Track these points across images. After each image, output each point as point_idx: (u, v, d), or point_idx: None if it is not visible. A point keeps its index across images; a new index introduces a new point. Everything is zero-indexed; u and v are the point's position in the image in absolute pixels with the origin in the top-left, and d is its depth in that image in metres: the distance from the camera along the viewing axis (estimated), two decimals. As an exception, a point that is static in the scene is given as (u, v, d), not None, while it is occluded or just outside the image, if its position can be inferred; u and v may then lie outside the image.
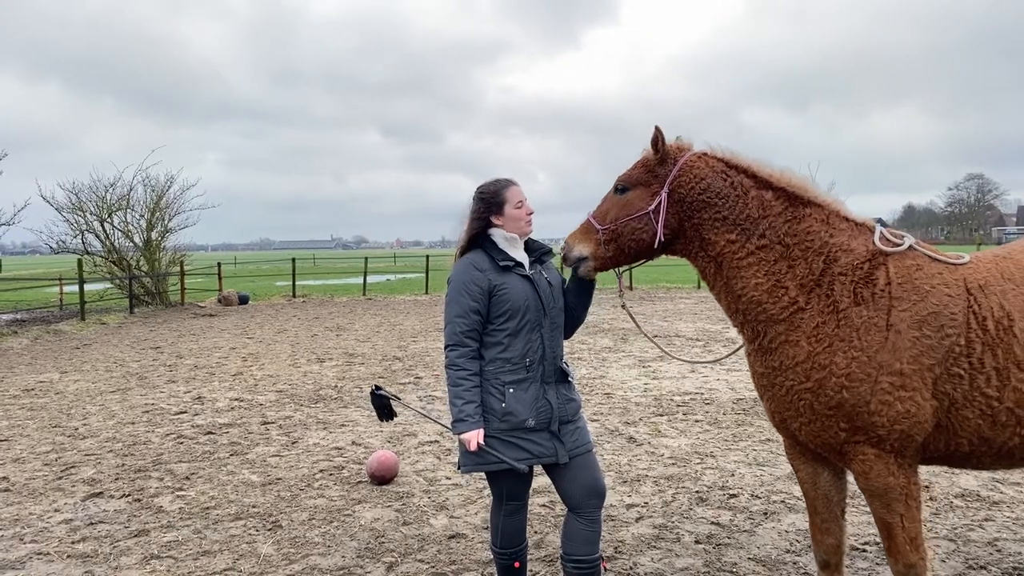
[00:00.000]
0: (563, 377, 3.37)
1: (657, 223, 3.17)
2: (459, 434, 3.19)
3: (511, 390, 3.22)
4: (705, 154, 3.24)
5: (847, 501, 3.33)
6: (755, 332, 3.09)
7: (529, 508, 4.95)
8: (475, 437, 3.16)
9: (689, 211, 3.17)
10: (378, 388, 3.60)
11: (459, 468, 3.38)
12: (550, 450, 3.25)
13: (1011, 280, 2.92)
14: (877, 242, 3.03)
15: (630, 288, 25.27)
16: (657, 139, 3.20)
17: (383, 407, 3.57)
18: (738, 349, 3.69)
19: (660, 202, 3.16)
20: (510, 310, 3.23)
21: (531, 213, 3.36)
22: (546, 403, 3.25)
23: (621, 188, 3.28)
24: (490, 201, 3.32)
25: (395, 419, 3.69)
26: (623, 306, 3.62)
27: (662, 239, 3.18)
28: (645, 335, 3.88)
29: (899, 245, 3.02)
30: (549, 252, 3.47)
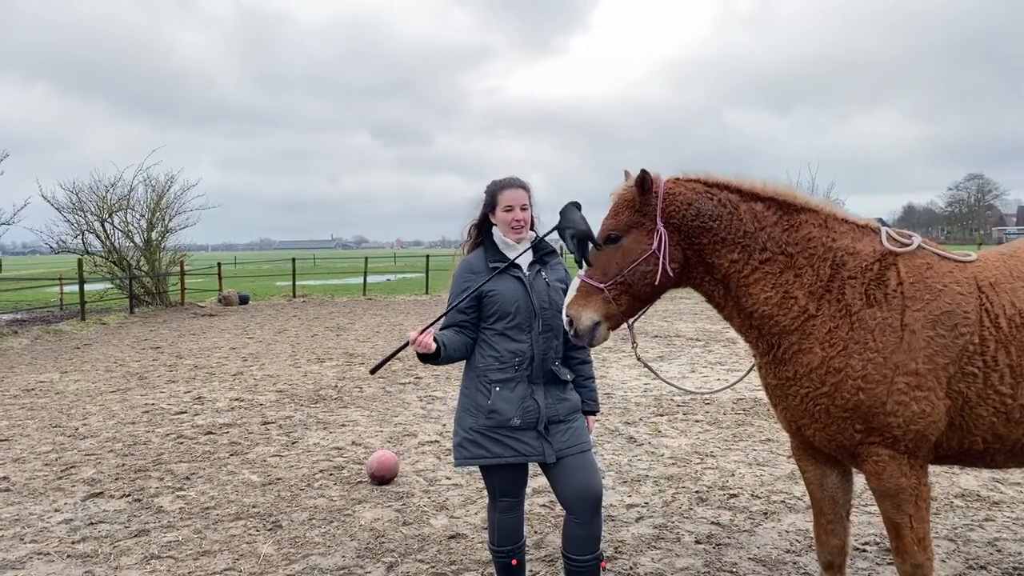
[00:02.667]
0: (556, 378, 3.35)
1: (665, 260, 3.04)
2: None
3: (497, 388, 3.25)
4: (678, 179, 3.14)
5: (851, 502, 3.34)
6: (769, 345, 3.05)
7: (529, 508, 4.96)
8: (424, 335, 3.07)
9: (688, 239, 3.05)
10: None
11: (454, 464, 3.44)
12: (537, 449, 3.26)
13: (1020, 278, 2.94)
14: (885, 242, 3.01)
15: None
16: (645, 179, 3.06)
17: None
18: (748, 372, 3.63)
19: (662, 238, 3.03)
20: (499, 311, 3.28)
21: (519, 221, 3.30)
22: (534, 403, 3.26)
23: (613, 238, 3.09)
24: (488, 199, 3.39)
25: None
26: (638, 358, 3.46)
27: (671, 274, 3.04)
28: (665, 382, 3.85)
29: (908, 245, 3.02)
30: (552, 253, 3.47)
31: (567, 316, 3.07)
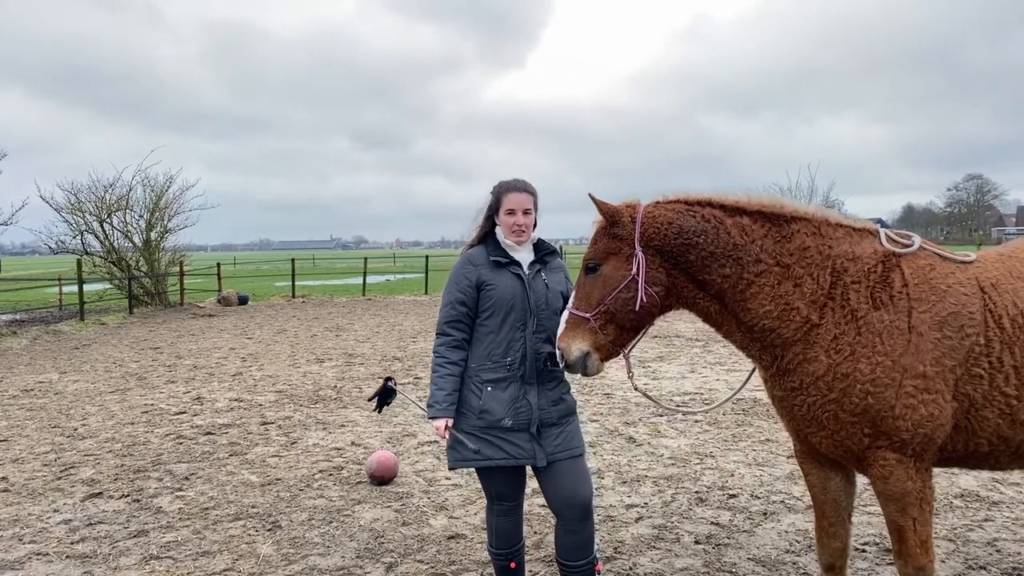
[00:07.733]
0: (550, 379, 3.31)
1: (642, 285, 2.99)
2: (430, 418, 3.26)
3: (489, 388, 3.23)
4: (658, 202, 3.09)
5: (853, 504, 3.33)
6: (772, 357, 2.99)
7: (528, 509, 4.96)
8: (442, 424, 3.22)
9: (673, 259, 3.00)
10: (389, 380, 3.70)
11: (448, 466, 3.45)
12: (528, 452, 3.23)
13: (1020, 278, 2.94)
14: (885, 243, 2.99)
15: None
16: (604, 209, 3.04)
17: (385, 397, 3.68)
18: (746, 381, 3.58)
19: (639, 263, 2.97)
20: (494, 306, 3.25)
21: (519, 226, 3.28)
22: (526, 404, 3.22)
23: (593, 267, 3.06)
24: (493, 200, 3.37)
25: (384, 407, 3.75)
26: (635, 388, 3.45)
27: (643, 300, 2.98)
28: (666, 409, 3.73)
29: (909, 245, 3.00)
30: (553, 252, 3.45)
31: (558, 349, 3.06)
